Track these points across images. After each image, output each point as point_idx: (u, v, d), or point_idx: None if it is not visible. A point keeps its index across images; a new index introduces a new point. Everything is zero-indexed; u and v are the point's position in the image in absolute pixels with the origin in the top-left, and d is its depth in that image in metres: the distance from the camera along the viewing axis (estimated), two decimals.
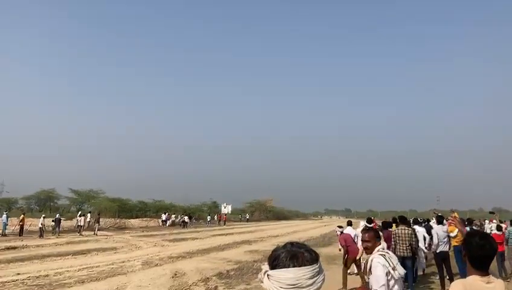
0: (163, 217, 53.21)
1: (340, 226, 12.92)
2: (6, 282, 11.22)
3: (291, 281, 1.48)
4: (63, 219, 33.75)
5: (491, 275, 2.61)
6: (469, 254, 2.66)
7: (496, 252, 2.69)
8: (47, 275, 12.48)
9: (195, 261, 16.44)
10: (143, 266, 15.06)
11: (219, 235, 34.73)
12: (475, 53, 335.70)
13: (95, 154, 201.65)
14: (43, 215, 32.63)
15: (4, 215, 31.66)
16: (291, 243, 1.61)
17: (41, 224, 30.08)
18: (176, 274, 13.11)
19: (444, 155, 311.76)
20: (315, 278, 1.51)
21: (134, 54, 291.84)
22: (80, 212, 40.89)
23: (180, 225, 50.65)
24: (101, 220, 38.51)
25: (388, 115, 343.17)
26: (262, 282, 1.58)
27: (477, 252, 2.62)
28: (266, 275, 1.56)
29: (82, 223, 34.51)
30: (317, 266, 1.54)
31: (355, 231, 12.39)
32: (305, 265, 1.51)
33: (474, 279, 2.59)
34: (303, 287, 1.48)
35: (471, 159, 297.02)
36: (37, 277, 12.12)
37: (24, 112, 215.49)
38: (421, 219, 20.65)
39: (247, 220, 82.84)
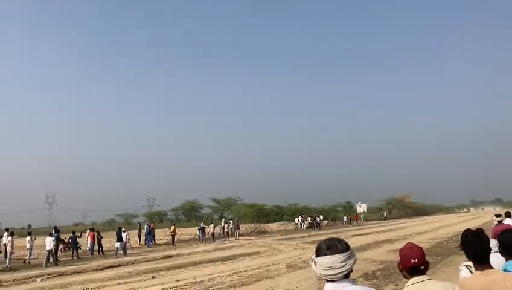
0: (299, 219, 53.79)
1: (498, 215, 11.38)
2: (168, 288, 12.33)
3: (328, 264, 2.26)
4: (206, 227, 35.97)
5: (490, 269, 2.92)
6: (465, 252, 3.09)
7: (488, 247, 2.99)
8: (202, 281, 13.40)
9: None
10: (287, 269, 15.37)
11: (358, 235, 33.99)
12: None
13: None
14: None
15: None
16: (330, 239, 2.40)
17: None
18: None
19: None
20: (345, 262, 2.26)
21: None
22: (223, 219, 43.45)
23: (313, 226, 50.76)
24: (240, 225, 40.30)
25: None
26: (311, 266, 2.38)
27: (471, 249, 3.01)
28: (313, 261, 2.35)
29: (227, 230, 36.53)
30: (347, 253, 2.29)
31: None
32: (337, 253, 2.27)
33: (475, 274, 2.99)
34: (337, 268, 2.24)
35: None
36: (194, 283, 13.08)
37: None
38: None
39: (385, 218, 79.87)
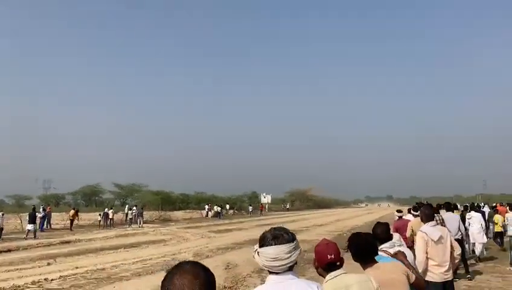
0: (206, 208, 53.71)
1: (399, 211, 11.98)
2: (67, 276, 11.49)
3: (273, 255, 2.14)
4: (110, 212, 34.44)
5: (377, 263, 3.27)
6: (351, 252, 3.34)
7: (370, 246, 3.31)
8: (104, 269, 12.72)
9: (245, 253, 16.33)
10: (194, 257, 15.14)
11: (263, 225, 34.65)
12: None
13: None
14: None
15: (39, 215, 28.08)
16: (275, 228, 2.27)
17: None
18: (228, 266, 13.08)
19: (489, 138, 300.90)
20: (291, 253, 2.17)
21: None
22: (127, 206, 41.92)
23: (214, 216, 50.85)
24: (144, 213, 39.21)
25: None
26: (254, 257, 2.25)
27: (354, 250, 3.30)
28: (256, 252, 2.23)
29: (131, 216, 35.35)
30: (293, 244, 2.19)
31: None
32: (283, 243, 2.16)
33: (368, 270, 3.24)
34: (282, 259, 2.14)
35: None
36: (95, 270, 12.37)
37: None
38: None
39: (288, 210, 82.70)
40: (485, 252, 13.59)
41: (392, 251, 3.89)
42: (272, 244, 2.16)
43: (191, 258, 14.90)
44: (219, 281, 10.66)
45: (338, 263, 2.79)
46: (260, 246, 2.22)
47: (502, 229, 14.74)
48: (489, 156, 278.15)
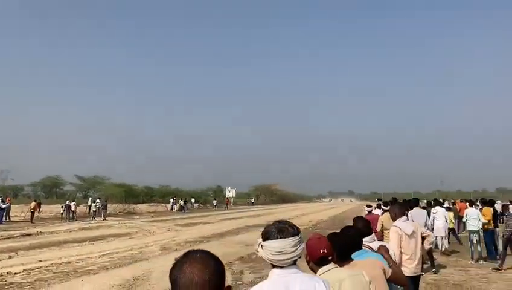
0: (172, 201, 53.16)
1: (369, 205, 12.45)
2: (31, 269, 11.14)
3: (278, 249, 2.11)
4: (72, 204, 33.45)
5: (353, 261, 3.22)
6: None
7: (355, 245, 3.35)
8: (69, 262, 12.40)
9: (213, 246, 16.34)
10: (162, 251, 15.03)
11: (228, 219, 34.66)
12: None
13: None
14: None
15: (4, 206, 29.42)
16: (279, 221, 2.25)
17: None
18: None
19: (448, 136, 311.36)
20: (297, 247, 2.14)
21: None
22: (90, 198, 40.97)
23: (179, 209, 50.34)
24: (108, 206, 38.41)
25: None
26: (257, 251, 2.23)
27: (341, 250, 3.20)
28: (260, 245, 2.20)
29: (95, 209, 34.59)
30: (298, 237, 2.16)
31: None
32: (288, 237, 2.13)
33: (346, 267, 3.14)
34: (288, 253, 2.10)
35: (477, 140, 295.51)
36: (60, 264, 12.05)
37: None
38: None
39: (253, 204, 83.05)
40: (447, 246, 14.12)
41: (374, 245, 3.96)
42: (276, 238, 2.14)
43: (159, 251, 14.79)
44: None
45: (330, 257, 2.80)
46: (264, 240, 2.20)
47: (454, 226, 15.58)
48: (446, 154, 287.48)
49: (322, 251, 2.72)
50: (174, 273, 1.51)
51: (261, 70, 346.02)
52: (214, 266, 1.52)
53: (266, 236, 2.19)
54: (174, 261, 1.57)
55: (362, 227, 4.13)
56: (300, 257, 2.22)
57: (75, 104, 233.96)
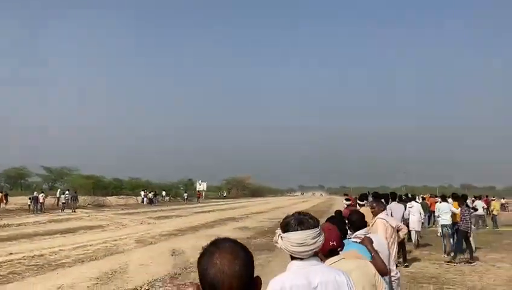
0: (142, 194, 52.36)
1: (348, 199, 12.60)
2: (2, 262, 10.79)
3: (299, 240, 2.09)
4: (40, 196, 32.48)
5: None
6: None
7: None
8: (42, 255, 12.07)
9: (188, 239, 16.22)
10: (138, 244, 14.79)
11: (201, 212, 34.45)
12: None
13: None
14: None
15: None
16: (298, 213, 2.22)
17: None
18: (174, 252, 12.89)
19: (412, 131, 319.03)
20: (317, 238, 2.12)
21: None
22: (59, 190, 39.93)
23: (148, 202, 49.68)
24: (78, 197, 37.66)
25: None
26: (277, 243, 2.19)
27: None
28: (280, 237, 2.16)
29: (64, 201, 33.77)
30: (318, 229, 2.15)
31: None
32: (309, 229, 2.11)
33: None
34: (308, 245, 2.09)
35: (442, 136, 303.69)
36: (32, 257, 11.71)
37: None
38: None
39: (225, 197, 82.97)
40: (419, 239, 14.47)
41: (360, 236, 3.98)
42: (297, 230, 2.11)
43: (135, 244, 14.57)
44: (167, 268, 10.48)
45: (339, 249, 2.79)
46: (284, 231, 2.16)
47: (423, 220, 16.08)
48: (410, 147, 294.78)
49: (331, 243, 2.70)
50: (203, 263, 1.43)
51: None
52: (244, 257, 1.45)
53: (286, 228, 2.16)
54: (201, 250, 1.50)
55: (357, 220, 4.16)
56: (319, 249, 2.19)
57: None
